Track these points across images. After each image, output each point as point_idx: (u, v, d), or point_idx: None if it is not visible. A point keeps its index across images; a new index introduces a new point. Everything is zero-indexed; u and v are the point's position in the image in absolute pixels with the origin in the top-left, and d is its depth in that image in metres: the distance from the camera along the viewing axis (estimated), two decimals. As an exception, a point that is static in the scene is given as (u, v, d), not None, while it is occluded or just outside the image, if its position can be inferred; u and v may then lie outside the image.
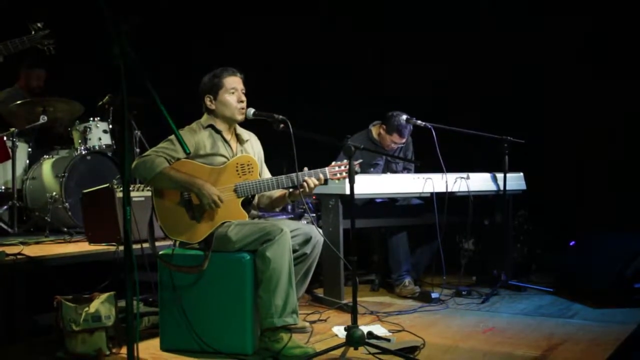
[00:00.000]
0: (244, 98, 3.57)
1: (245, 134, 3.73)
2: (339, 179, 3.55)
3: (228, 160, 3.51)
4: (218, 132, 3.57)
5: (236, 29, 7.09)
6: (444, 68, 6.15)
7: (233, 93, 3.55)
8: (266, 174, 3.75)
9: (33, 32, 3.57)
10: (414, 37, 6.31)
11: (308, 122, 3.86)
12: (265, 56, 6.89)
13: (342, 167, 3.52)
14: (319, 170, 3.52)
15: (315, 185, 3.49)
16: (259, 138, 3.85)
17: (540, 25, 5.79)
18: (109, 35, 2.07)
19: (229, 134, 3.62)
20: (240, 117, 3.57)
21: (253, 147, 3.75)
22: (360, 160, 3.55)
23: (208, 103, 3.57)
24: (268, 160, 3.86)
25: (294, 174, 3.46)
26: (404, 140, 5.04)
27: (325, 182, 3.60)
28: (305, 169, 3.49)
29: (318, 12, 6.82)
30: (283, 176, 3.49)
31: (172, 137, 3.41)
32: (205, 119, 3.61)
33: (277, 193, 3.68)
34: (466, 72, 6.04)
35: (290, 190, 3.57)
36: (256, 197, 3.71)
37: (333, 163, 3.55)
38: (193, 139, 3.46)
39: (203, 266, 3.31)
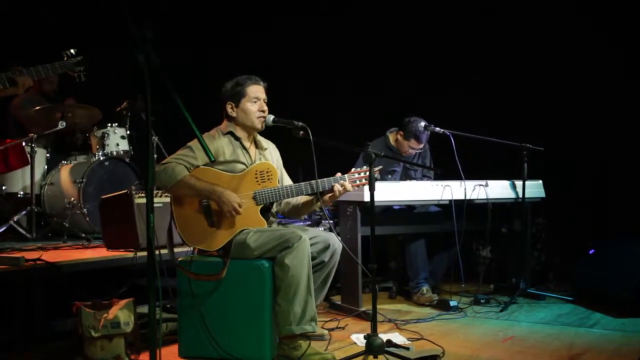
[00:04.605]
0: (265, 108, 3.55)
1: (264, 142, 3.72)
2: (358, 186, 3.53)
3: (247, 167, 3.50)
4: (237, 139, 3.56)
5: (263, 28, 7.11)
6: (462, 74, 6.13)
7: (255, 102, 3.53)
8: (287, 181, 3.74)
9: (65, 58, 3.54)
10: (428, 44, 6.30)
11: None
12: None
13: (362, 174, 3.50)
14: (338, 177, 3.49)
15: (346, 191, 3.47)
16: (276, 143, 3.84)
17: (559, 31, 5.74)
18: (133, 42, 2.07)
19: (248, 142, 3.61)
20: (260, 126, 3.55)
21: (272, 154, 3.74)
22: (380, 167, 3.52)
23: (229, 110, 3.56)
24: (285, 166, 3.85)
25: (313, 181, 3.43)
26: (421, 146, 5.01)
27: None
28: (338, 174, 3.47)
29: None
30: (302, 183, 3.48)
31: (191, 144, 3.41)
32: (224, 125, 3.60)
33: (302, 199, 3.65)
34: (483, 78, 6.01)
35: (318, 197, 3.51)
36: (282, 204, 3.70)
37: (352, 170, 3.53)
38: (212, 146, 3.44)
39: (222, 274, 3.30)
